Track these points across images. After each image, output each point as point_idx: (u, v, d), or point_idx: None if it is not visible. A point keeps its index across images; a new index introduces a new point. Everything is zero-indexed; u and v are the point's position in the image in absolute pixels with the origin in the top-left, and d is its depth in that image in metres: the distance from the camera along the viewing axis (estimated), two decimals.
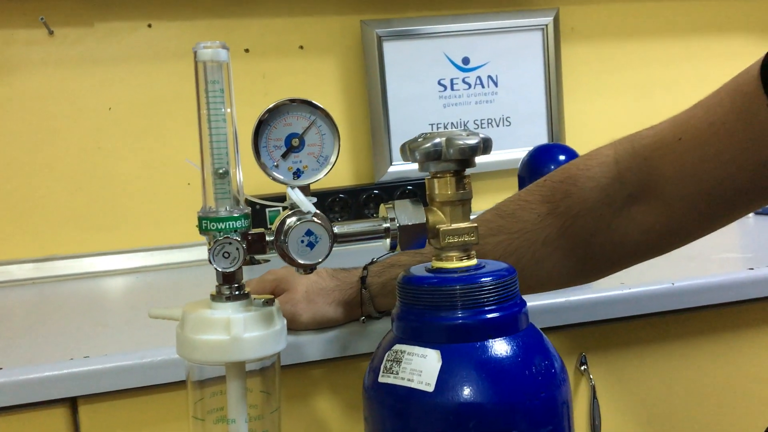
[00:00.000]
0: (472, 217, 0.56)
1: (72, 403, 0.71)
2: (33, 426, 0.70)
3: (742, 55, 1.53)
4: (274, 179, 0.52)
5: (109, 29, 1.27)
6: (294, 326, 0.72)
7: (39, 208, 1.25)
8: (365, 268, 0.74)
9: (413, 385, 0.49)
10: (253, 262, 1.09)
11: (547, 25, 1.42)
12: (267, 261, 1.12)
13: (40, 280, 1.21)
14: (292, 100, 0.51)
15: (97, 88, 1.27)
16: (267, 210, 1.21)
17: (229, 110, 0.51)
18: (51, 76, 1.25)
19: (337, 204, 1.30)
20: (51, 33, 1.24)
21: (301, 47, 1.35)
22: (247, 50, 1.32)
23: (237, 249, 0.50)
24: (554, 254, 0.67)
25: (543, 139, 1.44)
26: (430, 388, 0.48)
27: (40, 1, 1.23)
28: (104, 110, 1.27)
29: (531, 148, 1.17)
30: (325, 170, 0.53)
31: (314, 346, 0.74)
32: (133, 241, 1.28)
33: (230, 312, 0.52)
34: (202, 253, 1.27)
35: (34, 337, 0.82)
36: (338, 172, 1.36)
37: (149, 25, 1.29)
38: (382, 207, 0.56)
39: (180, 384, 0.71)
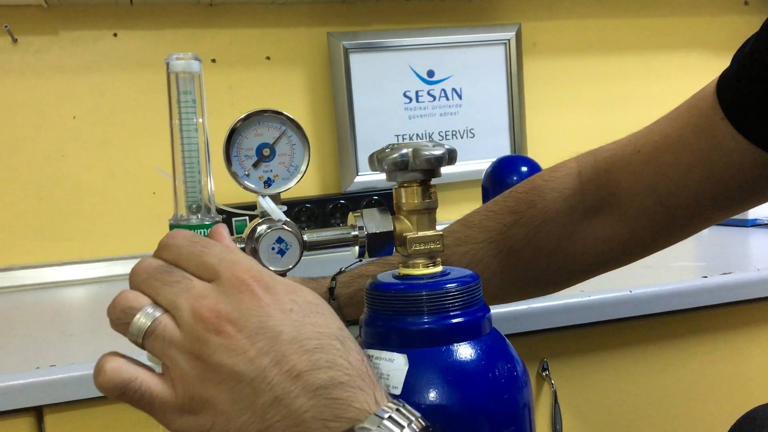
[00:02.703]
0: (438, 227, 0.57)
1: (37, 413, 0.71)
2: None
3: (697, 70, 1.59)
4: (246, 188, 0.53)
5: (74, 38, 1.26)
6: None
7: (0, 216, 1.23)
8: (333, 278, 0.75)
9: None
10: None
11: (509, 40, 1.46)
12: None
13: (2, 291, 1.19)
14: (264, 111, 0.52)
15: (61, 97, 1.26)
16: (234, 219, 1.21)
17: (200, 120, 0.52)
18: (15, 84, 1.24)
19: (304, 213, 1.31)
20: (15, 41, 1.23)
21: (268, 58, 1.37)
22: (213, 60, 1.33)
23: None
24: (519, 264, 0.69)
25: (506, 151, 1.47)
26: (398, 391, 0.49)
27: (3, 9, 1.22)
28: (68, 119, 1.26)
29: (494, 160, 1.19)
30: (296, 179, 0.54)
31: None
32: (97, 251, 1.27)
33: None
34: None
35: None
36: (305, 182, 1.37)
37: (115, 35, 1.29)
38: (350, 215, 0.57)
39: None
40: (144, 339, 0.40)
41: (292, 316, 0.40)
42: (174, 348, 0.39)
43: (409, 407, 0.40)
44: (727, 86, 0.57)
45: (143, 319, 0.40)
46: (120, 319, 0.41)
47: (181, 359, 0.39)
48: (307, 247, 0.54)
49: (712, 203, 0.61)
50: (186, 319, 0.39)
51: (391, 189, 0.57)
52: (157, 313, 0.40)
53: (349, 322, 0.75)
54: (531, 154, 1.47)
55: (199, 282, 0.41)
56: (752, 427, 0.72)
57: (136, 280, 0.42)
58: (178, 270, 0.42)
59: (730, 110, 0.56)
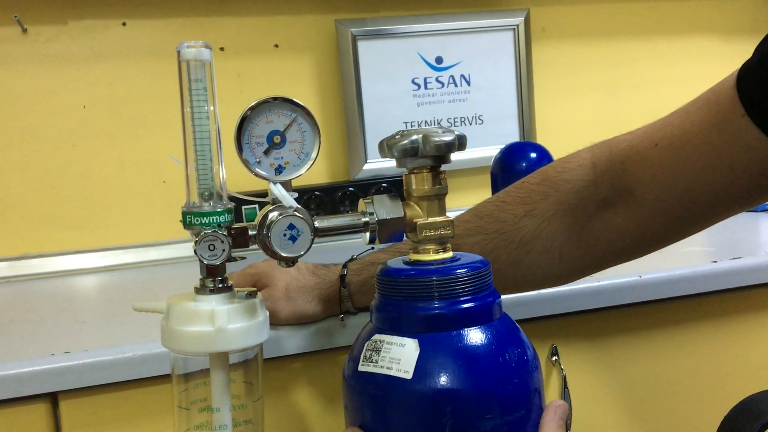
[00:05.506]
0: (449, 215, 0.58)
1: (52, 399, 0.72)
2: (13, 422, 0.71)
3: (706, 55, 1.57)
4: (257, 175, 0.53)
5: (83, 27, 1.27)
6: (273, 322, 0.73)
7: (13, 206, 1.24)
8: (345, 266, 0.75)
9: (392, 373, 0.51)
10: (229, 259, 1.10)
11: (518, 26, 1.45)
12: (243, 258, 1.13)
13: (15, 279, 1.20)
14: (274, 98, 0.52)
15: (71, 87, 1.26)
16: (243, 208, 1.22)
17: (212, 108, 0.52)
18: (24, 74, 1.24)
19: (313, 201, 1.31)
20: (24, 31, 1.24)
21: (276, 46, 1.36)
22: (222, 49, 1.33)
23: (222, 242, 0.51)
24: (530, 255, 0.68)
25: (515, 137, 1.46)
26: (409, 376, 0.50)
27: None
28: (78, 108, 1.27)
29: (503, 146, 1.19)
30: (307, 166, 0.54)
31: (293, 339, 0.75)
32: (108, 240, 1.28)
33: (214, 304, 0.53)
34: (177, 250, 1.27)
35: (12, 333, 0.82)
36: (314, 170, 1.36)
37: (123, 24, 1.29)
38: (361, 202, 0.57)
39: (160, 378, 0.72)
40: None
41: None
42: None
43: None
44: (748, 81, 0.55)
45: None
46: None
47: None
48: (318, 233, 0.55)
49: (730, 199, 0.60)
50: None
51: (399, 176, 0.57)
52: None
53: (359, 309, 0.76)
54: (540, 140, 1.46)
55: None
56: (749, 411, 0.71)
57: None
58: None
59: (751, 106, 0.54)
